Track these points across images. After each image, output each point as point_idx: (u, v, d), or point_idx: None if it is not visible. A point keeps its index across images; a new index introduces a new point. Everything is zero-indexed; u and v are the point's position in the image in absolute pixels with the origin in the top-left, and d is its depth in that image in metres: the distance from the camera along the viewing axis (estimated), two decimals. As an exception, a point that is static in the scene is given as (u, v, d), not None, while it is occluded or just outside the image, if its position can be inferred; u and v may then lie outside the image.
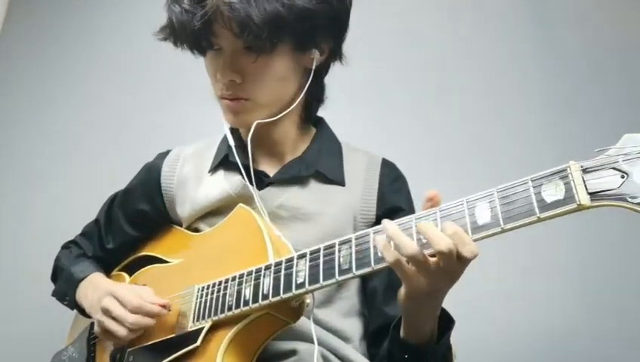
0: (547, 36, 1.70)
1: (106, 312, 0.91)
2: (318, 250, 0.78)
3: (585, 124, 1.55)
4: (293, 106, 0.99)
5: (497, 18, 1.76)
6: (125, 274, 1.12)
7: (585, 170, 0.61)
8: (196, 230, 1.04)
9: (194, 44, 0.93)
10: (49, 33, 2.12)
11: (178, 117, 1.84)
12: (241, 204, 0.97)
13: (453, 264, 0.67)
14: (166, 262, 1.06)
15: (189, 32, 0.90)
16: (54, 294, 1.16)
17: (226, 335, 0.82)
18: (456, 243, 0.65)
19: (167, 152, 1.14)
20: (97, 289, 1.02)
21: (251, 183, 0.97)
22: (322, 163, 1.02)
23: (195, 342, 0.85)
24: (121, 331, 0.90)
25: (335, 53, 1.02)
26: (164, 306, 0.92)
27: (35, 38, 2.12)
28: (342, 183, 1.01)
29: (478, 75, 1.71)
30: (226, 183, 1.01)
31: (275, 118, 0.98)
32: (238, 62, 0.92)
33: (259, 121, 0.97)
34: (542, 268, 1.48)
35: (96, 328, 0.95)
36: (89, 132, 1.94)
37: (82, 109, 1.99)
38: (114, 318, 0.91)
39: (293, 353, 0.89)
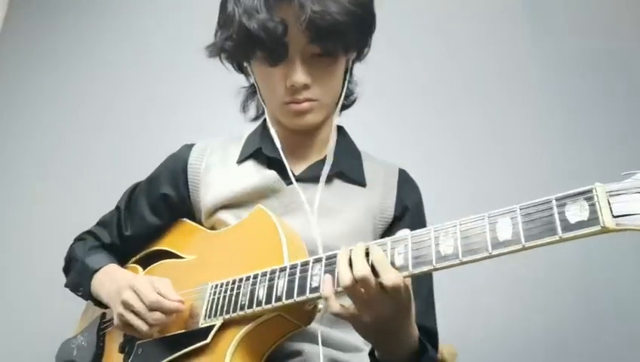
0: (547, 39, 1.69)
1: (127, 306, 0.92)
2: (334, 256, 0.78)
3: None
4: (339, 105, 1.07)
5: (502, 23, 1.77)
6: (139, 268, 1.12)
7: (610, 193, 0.60)
8: (217, 222, 1.04)
9: (272, 53, 0.95)
10: (50, 31, 2.14)
11: (186, 117, 1.86)
12: (259, 205, 0.97)
13: (375, 292, 0.71)
14: (180, 257, 1.06)
15: (272, 40, 0.92)
16: (67, 285, 1.16)
17: (237, 335, 0.83)
18: (378, 270, 0.71)
19: (193, 144, 1.16)
20: (114, 280, 1.02)
21: (286, 177, 1.02)
22: (344, 164, 1.07)
23: (205, 339, 0.85)
24: (143, 326, 0.90)
25: (361, 53, 1.07)
26: (179, 301, 0.92)
27: (37, 35, 2.14)
28: (363, 184, 1.06)
29: (492, 84, 1.72)
30: (257, 174, 1.04)
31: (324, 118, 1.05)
32: (310, 67, 0.97)
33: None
34: (542, 268, 1.47)
35: (116, 321, 0.95)
36: (85, 132, 1.97)
37: (82, 108, 2.01)
38: (135, 313, 0.91)
39: (298, 353, 0.89)
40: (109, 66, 2.04)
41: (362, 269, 0.71)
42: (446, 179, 1.59)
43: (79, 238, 1.21)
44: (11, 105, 2.06)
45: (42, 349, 1.24)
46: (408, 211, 1.05)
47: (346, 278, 0.72)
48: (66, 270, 1.19)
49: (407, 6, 1.83)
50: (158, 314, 0.90)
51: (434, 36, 1.81)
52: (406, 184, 1.10)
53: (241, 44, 0.97)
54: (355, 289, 0.72)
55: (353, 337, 0.94)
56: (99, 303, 1.08)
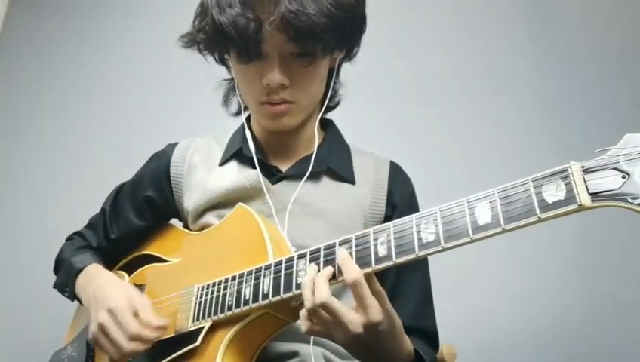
0: (548, 36, 1.70)
1: (104, 331, 0.89)
2: (318, 250, 0.78)
3: (586, 124, 1.55)
4: (324, 106, 1.04)
5: (498, 18, 1.76)
6: (125, 273, 1.11)
7: (586, 171, 0.61)
8: (205, 225, 1.03)
9: (243, 50, 0.91)
10: (50, 31, 2.13)
11: (179, 117, 1.85)
12: (240, 204, 0.97)
13: (333, 317, 0.71)
14: (165, 261, 1.06)
15: (243, 37, 0.89)
16: (55, 286, 1.15)
17: (226, 335, 0.82)
18: (342, 269, 0.72)
19: (177, 142, 1.14)
20: (92, 282, 1.01)
21: (272, 176, 1.00)
22: (333, 161, 1.03)
23: (195, 342, 0.85)
24: (115, 355, 0.88)
25: (351, 53, 1.04)
26: (160, 328, 0.89)
27: (36, 36, 2.13)
28: (352, 181, 1.03)
29: (478, 75, 1.71)
30: (240, 175, 1.01)
31: (304, 119, 1.02)
32: (288, 66, 0.93)
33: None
34: (542, 267, 1.48)
35: (90, 336, 0.93)
36: (84, 132, 1.95)
37: (81, 107, 1.99)
38: (110, 340, 0.88)
39: (294, 354, 0.89)
40: (108, 66, 2.02)
41: (321, 295, 0.71)
42: (444, 176, 1.59)
43: (69, 239, 1.20)
44: (10, 104, 2.05)
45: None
46: (397, 208, 1.02)
47: (308, 302, 0.72)
48: (56, 271, 1.18)
49: (405, 2, 1.82)
50: (135, 345, 0.87)
51: (432, 32, 1.80)
52: (397, 179, 1.06)
53: (212, 39, 0.94)
54: (317, 312, 0.72)
55: None
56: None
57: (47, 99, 2.03)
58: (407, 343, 0.83)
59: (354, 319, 0.71)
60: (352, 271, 0.71)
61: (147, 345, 0.88)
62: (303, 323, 0.75)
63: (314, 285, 0.72)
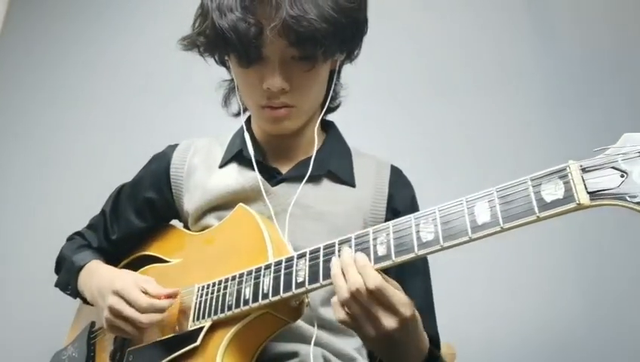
0: (547, 36, 1.70)
1: (116, 313, 0.90)
2: (317, 250, 0.78)
3: (584, 123, 1.55)
4: (325, 108, 1.04)
5: (496, 17, 1.76)
6: (125, 275, 1.12)
7: (584, 170, 0.61)
8: (202, 226, 1.03)
9: (243, 54, 0.91)
10: (50, 31, 2.14)
11: (179, 117, 1.85)
12: (240, 204, 0.97)
13: (368, 304, 0.71)
14: (166, 261, 1.06)
15: (244, 42, 0.88)
16: (57, 285, 1.15)
17: (226, 335, 0.82)
18: (361, 273, 0.70)
19: (177, 144, 1.14)
20: (95, 279, 1.01)
21: (271, 178, 1.00)
22: (333, 163, 1.03)
23: (195, 342, 0.85)
24: (134, 332, 0.90)
25: (352, 55, 1.04)
26: (170, 296, 0.91)
27: (36, 35, 2.14)
28: (352, 184, 1.02)
29: (476, 75, 1.71)
30: (240, 177, 1.01)
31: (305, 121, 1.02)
32: (289, 70, 0.92)
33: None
34: (541, 267, 1.48)
35: (105, 325, 0.93)
36: (84, 132, 1.96)
37: (81, 109, 2.00)
38: (125, 318, 0.89)
39: (294, 355, 0.89)
40: (107, 66, 2.03)
41: (375, 280, 0.69)
42: (449, 166, 1.60)
43: (69, 239, 1.21)
44: (9, 104, 2.06)
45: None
46: (400, 214, 1.00)
47: (344, 291, 0.71)
48: (57, 270, 1.18)
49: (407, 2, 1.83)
50: (151, 316, 0.88)
51: (434, 30, 1.80)
52: (398, 183, 1.05)
53: (213, 42, 0.94)
54: (352, 302, 0.71)
55: (348, 345, 0.93)
56: (87, 301, 1.07)
57: (46, 98, 2.04)
58: (425, 344, 0.82)
59: (402, 299, 0.72)
60: (375, 278, 0.70)
61: (163, 315, 0.89)
62: (337, 312, 0.73)
63: (349, 271, 0.71)
